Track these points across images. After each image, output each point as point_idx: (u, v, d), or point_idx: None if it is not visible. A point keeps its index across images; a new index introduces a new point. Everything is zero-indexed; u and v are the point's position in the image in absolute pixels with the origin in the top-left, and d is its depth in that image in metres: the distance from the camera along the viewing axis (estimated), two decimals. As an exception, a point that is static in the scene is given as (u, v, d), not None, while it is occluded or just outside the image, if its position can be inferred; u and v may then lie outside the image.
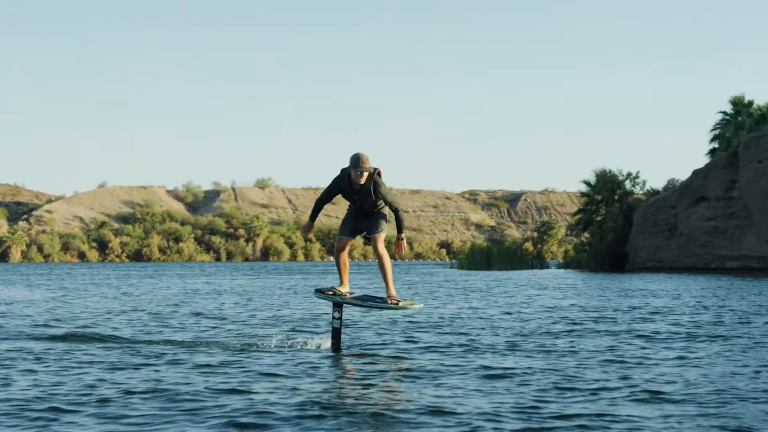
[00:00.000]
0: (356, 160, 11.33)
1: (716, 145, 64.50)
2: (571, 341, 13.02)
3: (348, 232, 11.71)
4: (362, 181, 11.30)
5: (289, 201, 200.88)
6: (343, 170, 11.52)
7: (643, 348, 12.16)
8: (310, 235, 12.20)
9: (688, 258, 57.28)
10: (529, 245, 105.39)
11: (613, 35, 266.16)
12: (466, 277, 50.12)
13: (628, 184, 68.00)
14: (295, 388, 8.66)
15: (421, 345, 12.48)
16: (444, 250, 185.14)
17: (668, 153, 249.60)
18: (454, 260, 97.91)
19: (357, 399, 8.09)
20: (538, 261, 77.94)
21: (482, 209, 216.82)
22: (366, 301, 11.65)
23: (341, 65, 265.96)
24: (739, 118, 63.38)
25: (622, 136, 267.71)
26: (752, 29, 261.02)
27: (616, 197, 67.45)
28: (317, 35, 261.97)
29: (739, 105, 64.04)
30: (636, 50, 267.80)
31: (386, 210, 11.65)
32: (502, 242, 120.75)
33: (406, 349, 12.10)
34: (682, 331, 14.66)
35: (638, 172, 71.14)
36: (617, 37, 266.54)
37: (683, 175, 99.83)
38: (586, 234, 69.56)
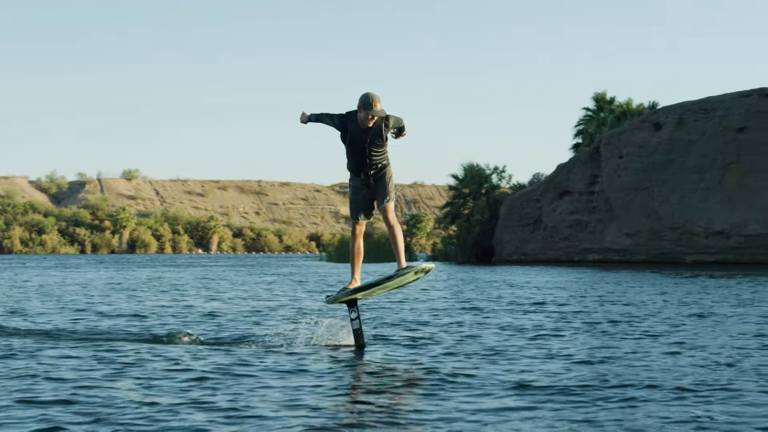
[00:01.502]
0: (367, 102, 10.30)
1: (580, 140, 65.98)
2: (442, 333, 12.97)
3: (362, 212, 10.79)
4: (371, 124, 10.35)
5: (157, 193, 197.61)
6: (350, 112, 10.50)
7: (509, 338, 12.19)
8: (302, 122, 10.70)
9: (552, 251, 58.39)
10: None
11: (479, 32, 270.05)
12: (334, 269, 50.05)
13: (494, 178, 68.85)
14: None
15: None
16: (314, 243, 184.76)
17: (534, 148, 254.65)
18: (323, 253, 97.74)
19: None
20: (407, 254, 78.41)
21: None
22: (376, 284, 10.61)
23: (207, 56, 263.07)
24: (602, 114, 64.96)
25: (490, 131, 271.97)
26: (615, 28, 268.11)
27: (483, 191, 68.19)
28: (180, 28, 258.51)
29: (602, 101, 65.63)
30: (503, 46, 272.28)
31: (389, 170, 10.69)
32: (371, 235, 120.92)
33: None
34: (547, 322, 14.78)
35: (505, 166, 72.34)
36: (482, 34, 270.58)
37: (548, 169, 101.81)
38: (453, 227, 70.18)
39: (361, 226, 10.79)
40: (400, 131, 10.67)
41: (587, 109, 66.41)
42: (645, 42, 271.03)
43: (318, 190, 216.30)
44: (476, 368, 9.43)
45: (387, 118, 10.42)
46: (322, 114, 10.65)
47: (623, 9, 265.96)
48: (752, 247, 48.26)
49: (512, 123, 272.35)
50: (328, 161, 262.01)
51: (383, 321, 14.96)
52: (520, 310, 17.45)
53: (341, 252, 72.07)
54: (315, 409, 7.25)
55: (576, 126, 67.01)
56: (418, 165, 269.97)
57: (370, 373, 9.17)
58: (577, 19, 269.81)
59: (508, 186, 69.63)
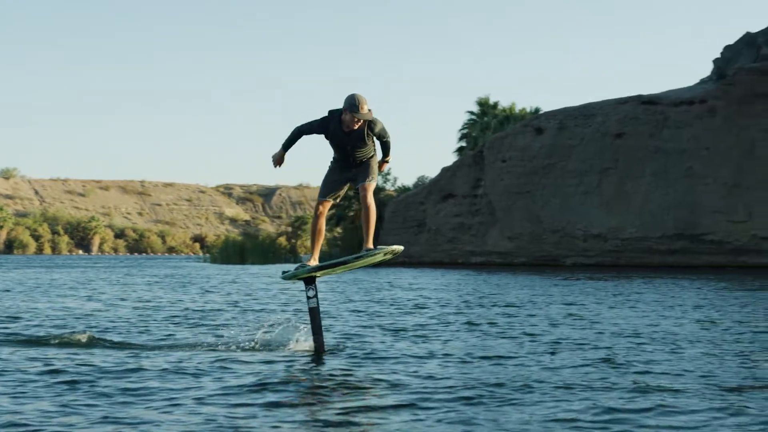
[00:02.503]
0: (353, 104, 10.05)
1: (464, 144, 66.72)
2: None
3: (331, 192, 10.55)
4: (356, 126, 10.10)
5: (36, 192, 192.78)
6: (332, 112, 10.21)
7: (396, 341, 12.23)
8: (280, 166, 10.53)
9: (436, 253, 58.84)
10: (283, 240, 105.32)
11: (365, 34, 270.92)
12: (218, 271, 49.58)
13: (380, 181, 69.15)
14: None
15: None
16: (198, 244, 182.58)
17: (419, 151, 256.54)
18: (207, 254, 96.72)
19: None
20: (291, 255, 78.08)
21: (237, 203, 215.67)
22: (342, 263, 10.50)
23: (88, 52, 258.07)
24: (485, 119, 65.79)
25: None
26: (501, 33, 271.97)
27: (368, 193, 68.31)
28: (58, 26, 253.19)
29: (485, 106, 66.50)
30: (388, 50, 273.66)
31: (374, 158, 10.51)
32: (256, 236, 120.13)
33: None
34: (428, 323, 14.87)
35: (390, 169, 72.67)
36: (368, 36, 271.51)
37: (432, 172, 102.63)
38: (338, 229, 70.26)
39: (326, 206, 10.58)
40: (384, 155, 10.62)
41: (471, 113, 67.23)
42: (528, 48, 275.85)
43: (202, 191, 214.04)
44: (357, 367, 9.43)
45: (372, 122, 10.22)
46: (292, 137, 10.39)
47: (506, 16, 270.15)
48: (629, 250, 49.46)
49: (397, 127, 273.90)
50: (212, 162, 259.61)
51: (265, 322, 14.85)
52: (402, 312, 17.53)
53: (225, 254, 71.34)
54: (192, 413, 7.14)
55: (460, 130, 67.79)
56: (304, 166, 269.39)
57: (254, 374, 9.09)
58: (462, 24, 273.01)
59: (392, 189, 70.04)
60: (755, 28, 51.37)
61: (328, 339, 11.92)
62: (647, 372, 9.24)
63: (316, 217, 10.57)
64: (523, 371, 9.28)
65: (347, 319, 15.62)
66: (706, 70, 56.92)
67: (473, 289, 26.78)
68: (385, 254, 10.37)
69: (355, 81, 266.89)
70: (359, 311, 17.62)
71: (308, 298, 10.58)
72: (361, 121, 10.08)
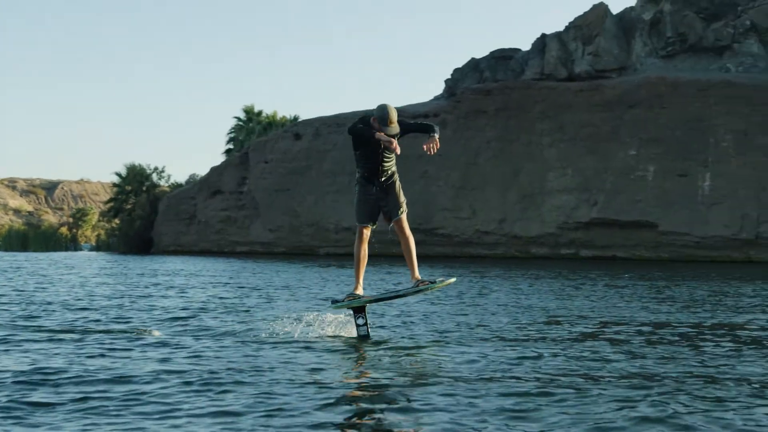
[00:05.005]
0: (384, 118, 9.09)
1: (231, 146, 66.50)
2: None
3: (368, 217, 9.46)
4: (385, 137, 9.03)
5: None
6: (365, 118, 9.23)
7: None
8: (396, 148, 9.16)
9: (205, 243, 58.37)
10: (65, 230, 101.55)
11: (150, 34, 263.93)
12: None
13: (155, 177, 68.22)
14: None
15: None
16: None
17: (191, 151, 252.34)
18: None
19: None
20: (72, 244, 75.42)
21: (21, 195, 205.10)
22: (397, 296, 9.62)
23: None
24: (250, 124, 65.85)
25: (151, 134, 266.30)
26: (265, 46, 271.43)
27: (144, 188, 67.27)
28: None
29: (251, 113, 66.52)
30: (156, 54, 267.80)
31: (396, 177, 9.49)
32: (39, 227, 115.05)
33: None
34: (186, 305, 14.86)
35: (164, 166, 71.79)
36: (154, 35, 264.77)
37: (203, 171, 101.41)
38: (116, 220, 68.57)
39: (368, 231, 9.55)
40: (430, 131, 9.46)
41: (238, 119, 67.08)
42: (291, 62, 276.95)
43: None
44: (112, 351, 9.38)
45: (404, 121, 9.41)
46: (361, 132, 9.26)
47: (273, 32, 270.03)
48: (374, 241, 50.66)
49: (171, 129, 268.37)
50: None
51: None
52: (161, 295, 17.42)
53: (9, 242, 68.06)
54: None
55: (228, 134, 67.57)
56: (85, 162, 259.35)
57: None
58: (231, 35, 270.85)
59: (167, 185, 68.99)
60: (479, 55, 53.97)
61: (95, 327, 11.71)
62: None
63: (359, 242, 9.56)
64: (245, 358, 9.45)
65: (122, 303, 15.36)
66: (439, 88, 59.17)
67: (237, 274, 26.83)
68: (439, 286, 9.46)
69: (134, 82, 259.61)
70: (128, 296, 17.34)
71: (358, 326, 9.66)
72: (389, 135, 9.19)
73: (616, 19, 49.11)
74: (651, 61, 48.02)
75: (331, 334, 10.13)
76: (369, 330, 9.66)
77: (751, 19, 46.81)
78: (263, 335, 10.18)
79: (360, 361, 8.33)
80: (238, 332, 10.65)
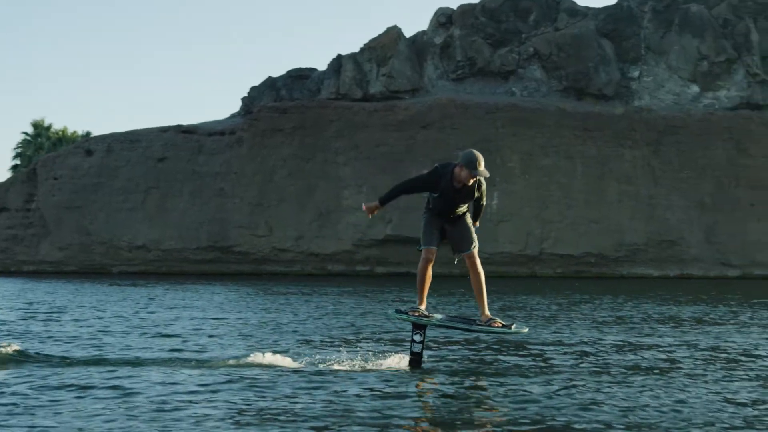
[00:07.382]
0: (473, 162, 8.83)
1: (18, 162, 63.60)
2: None
3: (436, 240, 9.18)
4: (470, 182, 8.93)
5: None
6: (444, 167, 8.98)
7: None
8: (374, 214, 9.18)
9: (-11, 263, 55.30)
10: None
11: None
12: None
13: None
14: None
15: None
16: None
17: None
18: None
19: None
20: None
21: None
22: (458, 323, 9.19)
23: None
24: (39, 140, 63.20)
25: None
26: (54, 56, 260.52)
27: None
28: None
29: (40, 128, 63.89)
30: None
31: (468, 216, 9.30)
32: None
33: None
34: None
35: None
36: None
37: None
38: None
39: (434, 253, 9.23)
40: (475, 219, 9.42)
41: (26, 133, 64.28)
42: (81, 74, 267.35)
43: None
44: None
45: (481, 180, 9.20)
46: (394, 193, 9.16)
47: (65, 40, 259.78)
48: (169, 260, 49.62)
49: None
50: None
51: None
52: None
53: None
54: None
55: (15, 149, 64.63)
56: None
57: None
58: (16, 46, 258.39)
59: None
60: (276, 73, 54.06)
61: None
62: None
63: (425, 264, 9.22)
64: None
65: None
66: (236, 106, 58.78)
67: (19, 294, 25.51)
68: (513, 332, 9.18)
69: None
70: None
71: (414, 342, 9.28)
72: (477, 177, 9.05)
73: (409, 42, 50.47)
74: (442, 83, 49.66)
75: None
76: (423, 349, 9.39)
77: (534, 46, 49.33)
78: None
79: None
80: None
